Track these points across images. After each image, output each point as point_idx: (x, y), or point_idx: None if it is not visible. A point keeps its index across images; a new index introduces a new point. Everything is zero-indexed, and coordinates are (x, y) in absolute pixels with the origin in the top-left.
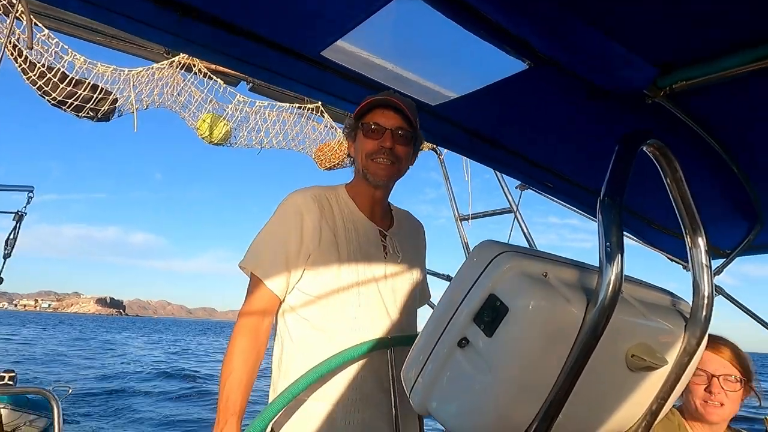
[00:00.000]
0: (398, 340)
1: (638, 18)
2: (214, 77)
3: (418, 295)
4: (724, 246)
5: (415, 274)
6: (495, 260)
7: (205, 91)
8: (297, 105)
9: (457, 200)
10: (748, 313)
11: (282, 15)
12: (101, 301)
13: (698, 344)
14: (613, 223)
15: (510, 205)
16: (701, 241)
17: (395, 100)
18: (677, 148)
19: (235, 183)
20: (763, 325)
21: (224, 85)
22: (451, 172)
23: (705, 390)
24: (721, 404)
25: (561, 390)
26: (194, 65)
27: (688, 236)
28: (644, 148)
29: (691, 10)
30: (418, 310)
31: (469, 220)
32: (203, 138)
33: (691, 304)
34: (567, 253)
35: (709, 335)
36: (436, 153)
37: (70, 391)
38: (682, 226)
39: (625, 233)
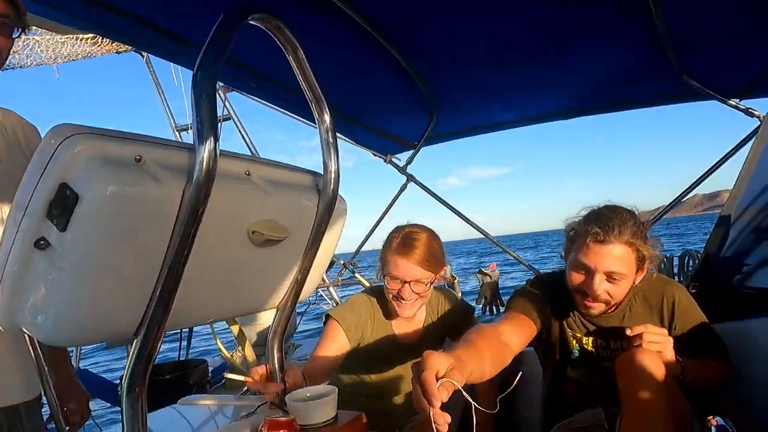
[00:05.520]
0: None
1: None
2: None
3: None
4: (412, 138)
5: None
6: (64, 144)
7: None
8: None
9: (173, 110)
10: (438, 200)
11: None
12: None
13: (328, 214)
14: (205, 96)
15: (227, 110)
16: (327, 118)
17: None
18: (357, 50)
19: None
20: (452, 210)
21: None
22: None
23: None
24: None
25: (170, 275)
26: None
27: (316, 114)
28: (257, 23)
29: None
30: None
31: (189, 131)
32: None
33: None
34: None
35: None
36: (140, 54)
37: None
38: (311, 107)
39: (337, 134)
